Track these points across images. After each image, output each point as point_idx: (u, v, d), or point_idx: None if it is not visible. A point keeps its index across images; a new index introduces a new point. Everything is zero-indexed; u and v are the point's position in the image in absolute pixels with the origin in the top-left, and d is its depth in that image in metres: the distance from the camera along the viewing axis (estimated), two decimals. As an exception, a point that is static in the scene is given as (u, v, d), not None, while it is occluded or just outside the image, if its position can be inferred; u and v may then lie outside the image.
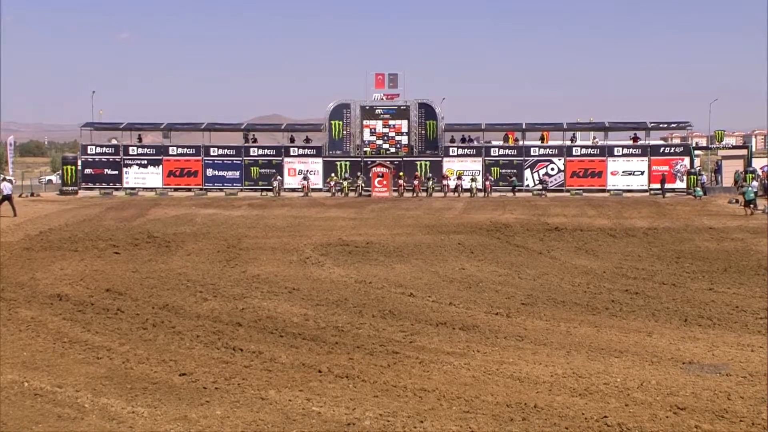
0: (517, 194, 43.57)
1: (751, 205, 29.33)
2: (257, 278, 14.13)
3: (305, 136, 48.92)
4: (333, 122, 46.50)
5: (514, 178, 45.13)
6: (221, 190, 45.68)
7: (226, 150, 47.21)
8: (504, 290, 12.96)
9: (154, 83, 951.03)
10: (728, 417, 6.43)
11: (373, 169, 44.60)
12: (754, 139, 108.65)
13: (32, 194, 42.49)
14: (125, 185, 46.31)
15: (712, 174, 47.82)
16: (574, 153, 45.91)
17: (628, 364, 8.13)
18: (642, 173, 45.11)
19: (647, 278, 14.27)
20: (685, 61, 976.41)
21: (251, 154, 46.94)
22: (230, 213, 30.05)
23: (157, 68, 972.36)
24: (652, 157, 45.22)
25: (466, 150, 46.75)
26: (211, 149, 47.13)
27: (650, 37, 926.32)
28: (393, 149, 46.27)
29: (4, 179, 32.17)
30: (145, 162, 46.85)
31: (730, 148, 50.58)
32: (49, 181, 55.95)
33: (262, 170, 46.37)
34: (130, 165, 46.80)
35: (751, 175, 40.10)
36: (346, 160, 46.19)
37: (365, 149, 46.35)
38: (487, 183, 44.27)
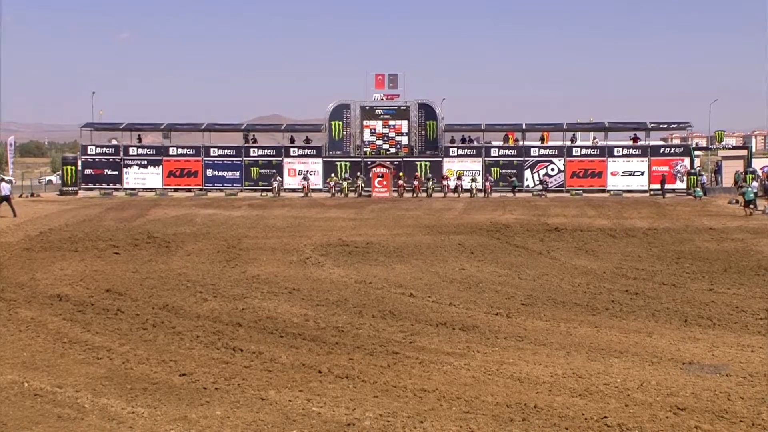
0: (517, 195, 43.59)
1: (751, 206, 29.35)
2: (257, 278, 14.13)
3: (305, 136, 48.95)
4: (333, 122, 46.51)
5: (514, 179, 45.14)
6: (221, 190, 45.70)
7: (226, 150, 47.26)
8: (504, 290, 12.95)
9: (154, 83, 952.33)
10: (728, 417, 6.43)
11: (373, 169, 44.60)
12: (754, 140, 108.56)
13: (32, 194, 42.49)
14: (125, 185, 46.35)
15: (712, 174, 47.86)
16: (574, 153, 45.95)
17: (628, 365, 8.12)
18: (642, 174, 45.15)
19: (647, 279, 14.27)
20: (685, 61, 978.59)
21: (251, 154, 46.96)
22: (230, 213, 30.05)
23: (157, 68, 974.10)
24: (652, 158, 45.26)
25: (466, 150, 46.77)
26: (211, 149, 47.17)
27: (650, 37, 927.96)
28: (393, 149, 46.28)
29: (3, 180, 32.10)
30: (145, 162, 46.88)
31: (730, 149, 50.59)
32: (49, 181, 55.96)
33: (262, 170, 46.39)
34: (130, 165, 46.83)
35: (751, 175, 40.09)
36: (346, 161, 46.20)
37: (365, 149, 46.35)
38: (487, 183, 44.26)
